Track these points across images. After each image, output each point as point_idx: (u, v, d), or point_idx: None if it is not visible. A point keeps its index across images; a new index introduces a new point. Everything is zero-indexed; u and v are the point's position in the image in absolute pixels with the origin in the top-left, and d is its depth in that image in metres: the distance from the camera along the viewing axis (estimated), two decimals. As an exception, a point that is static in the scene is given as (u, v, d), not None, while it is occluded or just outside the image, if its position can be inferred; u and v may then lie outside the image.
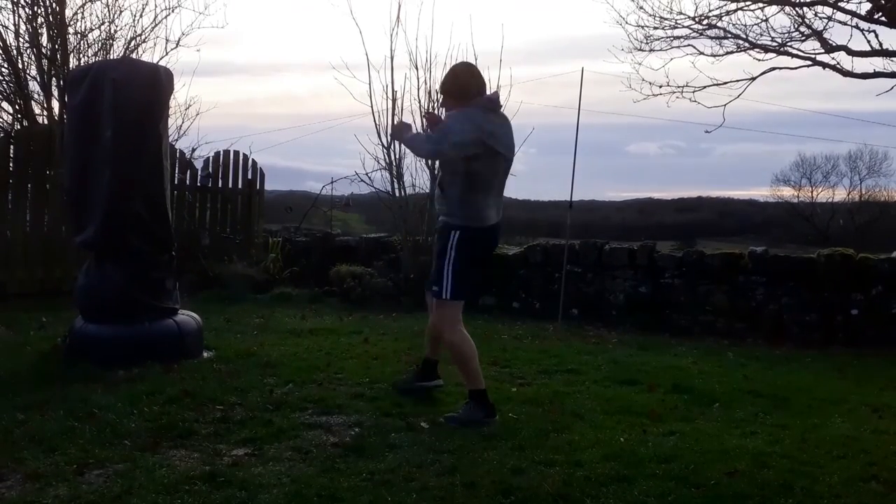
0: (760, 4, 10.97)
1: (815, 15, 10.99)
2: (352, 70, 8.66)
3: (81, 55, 8.80)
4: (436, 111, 8.68)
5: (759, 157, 77.90)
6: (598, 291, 8.06)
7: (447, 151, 4.03)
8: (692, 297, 7.68)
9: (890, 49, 10.84)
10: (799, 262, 7.47)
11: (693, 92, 11.47)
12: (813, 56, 11.30)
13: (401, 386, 4.55)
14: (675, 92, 11.44)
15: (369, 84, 8.75)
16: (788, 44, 11.26)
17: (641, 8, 11.64)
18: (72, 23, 8.77)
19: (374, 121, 8.81)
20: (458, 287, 4.03)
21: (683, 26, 11.34)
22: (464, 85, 4.16)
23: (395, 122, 4.93)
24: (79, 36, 8.82)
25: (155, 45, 9.65)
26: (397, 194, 8.97)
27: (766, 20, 11.08)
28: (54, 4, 8.64)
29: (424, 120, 4.64)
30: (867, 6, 10.75)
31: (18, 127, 8.58)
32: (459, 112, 4.08)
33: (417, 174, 8.97)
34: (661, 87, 11.45)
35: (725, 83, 11.47)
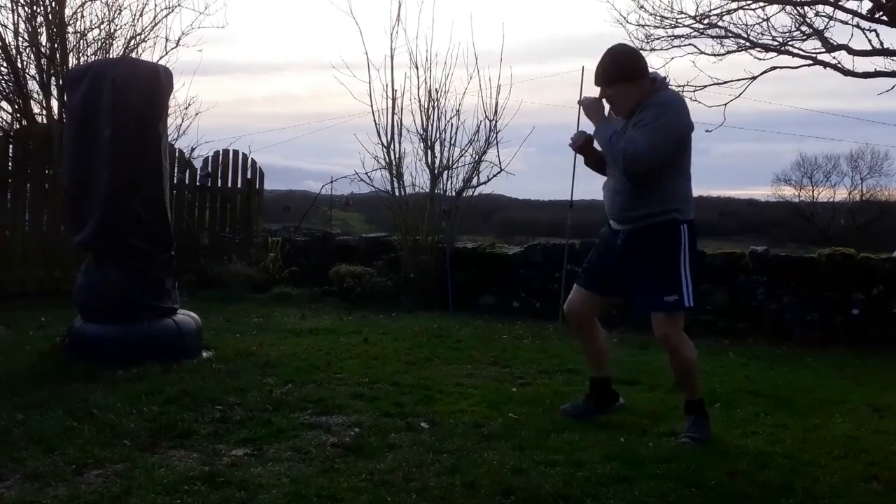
0: (761, 4, 11.00)
1: (816, 14, 11.02)
2: (351, 69, 8.69)
3: (81, 54, 8.80)
4: (434, 111, 8.71)
5: (759, 157, 77.83)
6: (598, 291, 8.04)
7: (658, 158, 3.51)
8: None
9: (891, 48, 10.86)
10: (800, 261, 7.46)
11: (694, 91, 11.50)
12: (814, 55, 11.32)
13: (573, 413, 4.02)
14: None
15: (369, 83, 8.76)
16: (789, 43, 11.28)
17: (642, 7, 11.65)
18: (71, 22, 8.77)
19: (374, 120, 8.82)
20: (695, 290, 3.62)
21: (684, 25, 11.37)
22: (636, 61, 3.72)
23: (587, 101, 3.77)
24: (78, 35, 8.82)
25: (155, 44, 9.64)
26: (397, 194, 8.96)
27: (767, 19, 11.11)
28: (54, 4, 8.63)
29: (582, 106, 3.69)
30: (868, 5, 10.77)
31: (17, 126, 8.57)
32: (666, 98, 3.61)
33: (417, 174, 8.98)
34: (661, 86, 11.44)
35: (726, 82, 11.50)
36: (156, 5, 9.64)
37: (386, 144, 8.84)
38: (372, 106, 8.78)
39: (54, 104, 8.62)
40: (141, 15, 9.22)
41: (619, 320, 7.74)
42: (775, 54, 11.45)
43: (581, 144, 3.89)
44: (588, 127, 3.88)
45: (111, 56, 8.86)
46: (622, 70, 3.64)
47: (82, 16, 8.88)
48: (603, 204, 3.92)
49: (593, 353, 4.07)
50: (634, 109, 3.62)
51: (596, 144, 3.82)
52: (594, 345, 4.05)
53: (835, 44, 11.11)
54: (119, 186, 5.00)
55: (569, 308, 3.97)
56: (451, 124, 8.78)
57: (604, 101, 3.74)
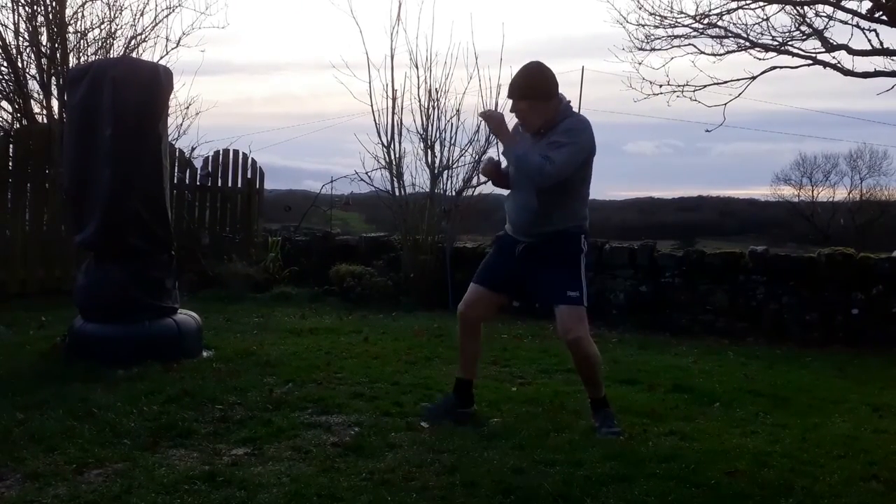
0: (761, 3, 10.99)
1: (816, 14, 11.01)
2: (352, 69, 8.68)
3: (81, 54, 8.80)
4: (435, 111, 8.71)
5: (758, 156, 77.93)
6: (598, 291, 8.04)
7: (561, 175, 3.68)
8: (692, 297, 7.68)
9: (890, 48, 10.86)
10: (799, 261, 7.47)
11: (693, 91, 11.50)
12: (813, 55, 11.31)
13: (431, 413, 3.99)
14: (675, 91, 11.46)
15: (369, 83, 8.76)
16: (789, 43, 11.27)
17: (642, 7, 11.61)
18: (72, 22, 8.76)
19: (374, 120, 8.82)
20: (588, 294, 3.84)
21: (684, 25, 11.36)
22: (553, 81, 3.82)
23: (491, 113, 4.00)
24: (78, 35, 8.81)
25: (155, 44, 9.61)
26: (397, 193, 8.96)
27: (767, 19, 11.10)
28: (54, 4, 8.62)
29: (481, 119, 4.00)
30: (868, 5, 10.76)
31: (18, 126, 8.57)
32: (576, 130, 3.76)
33: (417, 173, 8.98)
34: (661, 86, 11.47)
35: (726, 82, 11.49)
36: (156, 5, 9.63)
37: (386, 144, 8.84)
38: (372, 106, 8.79)
39: (55, 104, 8.62)
40: (142, 15, 9.21)
41: (618, 321, 7.76)
42: (775, 54, 11.45)
43: (490, 170, 4.09)
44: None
45: (111, 56, 8.86)
46: (538, 88, 3.77)
47: (83, 16, 8.88)
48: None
49: (471, 354, 4.10)
50: (541, 128, 3.76)
51: (503, 161, 3.99)
52: (475, 346, 4.10)
53: (834, 44, 11.11)
54: (119, 186, 5.00)
55: (463, 307, 4.03)
56: (452, 124, 8.78)
57: (510, 114, 3.91)
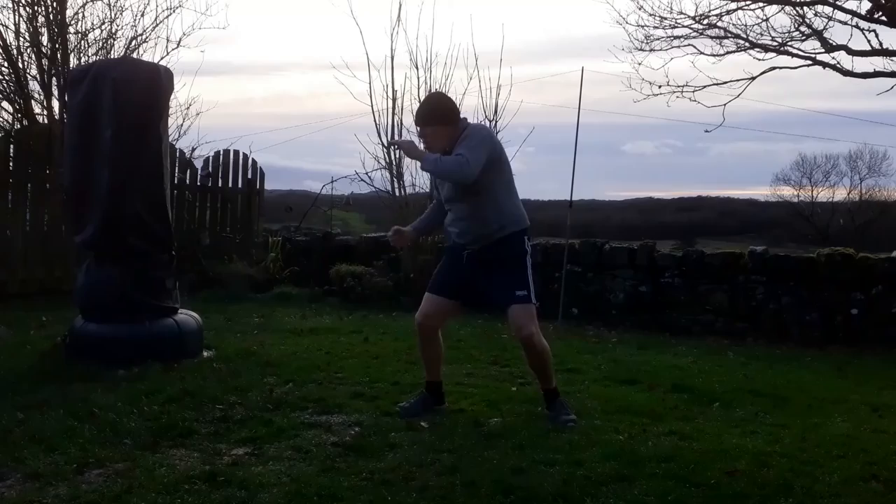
0: (761, 4, 10.97)
1: (816, 14, 11.00)
2: (352, 69, 8.71)
3: (82, 55, 8.81)
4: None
5: (758, 157, 77.89)
6: (598, 291, 8.06)
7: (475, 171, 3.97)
8: (692, 297, 7.69)
9: (890, 48, 10.85)
10: (799, 261, 7.47)
11: (693, 91, 11.48)
12: (813, 56, 11.30)
13: (408, 412, 4.11)
14: (675, 92, 11.45)
15: (369, 83, 8.78)
16: (789, 43, 11.26)
17: (641, 8, 11.62)
18: (72, 22, 8.77)
19: (374, 120, 8.84)
20: (535, 291, 4.06)
21: (684, 26, 11.34)
22: (453, 107, 4.22)
23: (399, 140, 4.61)
24: (79, 35, 8.83)
25: (156, 44, 9.64)
26: (397, 194, 8.97)
27: (767, 20, 11.09)
28: (55, 4, 8.63)
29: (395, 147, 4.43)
30: (867, 6, 10.76)
31: (18, 126, 8.58)
32: (474, 133, 4.09)
33: (417, 174, 9.00)
34: (660, 86, 11.45)
35: (725, 83, 11.48)
36: (157, 6, 9.65)
37: (386, 144, 8.85)
38: (372, 106, 8.81)
39: (55, 104, 8.62)
40: (142, 15, 9.23)
41: (618, 321, 7.76)
42: (774, 55, 11.44)
43: (406, 238, 4.39)
44: None
45: (112, 56, 8.86)
46: (438, 113, 4.13)
47: (83, 16, 8.90)
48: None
49: (434, 358, 4.27)
50: (448, 150, 4.03)
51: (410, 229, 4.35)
52: (437, 350, 4.27)
53: (834, 44, 11.10)
54: (120, 186, 5.01)
55: (422, 317, 4.19)
56: (452, 124, 8.78)
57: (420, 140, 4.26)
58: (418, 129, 4.20)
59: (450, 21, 14.06)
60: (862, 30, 10.81)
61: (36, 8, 8.60)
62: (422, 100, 4.34)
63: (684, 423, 4.04)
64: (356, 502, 2.88)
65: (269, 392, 4.37)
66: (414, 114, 4.27)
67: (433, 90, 8.70)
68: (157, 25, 9.22)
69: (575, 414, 4.05)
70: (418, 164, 4.23)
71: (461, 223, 4.12)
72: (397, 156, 8.88)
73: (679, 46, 11.45)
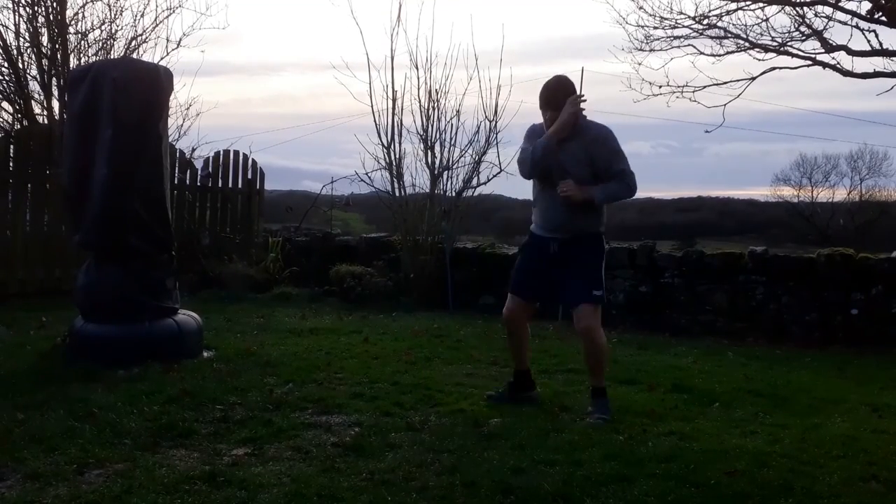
0: (761, 4, 10.99)
1: (816, 15, 11.02)
2: (352, 70, 8.71)
3: (82, 55, 8.82)
4: (435, 111, 8.73)
5: (758, 157, 77.73)
6: (598, 291, 8.04)
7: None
8: (692, 297, 7.68)
9: (890, 49, 10.86)
10: (799, 261, 7.47)
11: (693, 92, 11.50)
12: (813, 56, 11.31)
13: (496, 400, 4.38)
14: (674, 92, 11.46)
15: (369, 84, 8.78)
16: (788, 43, 11.28)
17: (641, 8, 11.62)
18: (72, 23, 8.79)
19: (374, 120, 8.84)
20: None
21: (684, 26, 11.36)
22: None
23: (569, 190, 4.14)
24: (79, 36, 8.85)
25: (156, 45, 9.65)
26: (397, 194, 8.97)
27: (767, 20, 11.10)
28: (55, 4, 8.64)
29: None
30: (867, 6, 10.77)
31: (18, 126, 8.59)
32: (612, 137, 4.22)
33: (417, 174, 9.01)
34: (660, 87, 11.47)
35: (725, 83, 11.49)
36: (157, 6, 9.70)
37: (386, 145, 8.86)
38: (372, 106, 8.81)
39: (55, 104, 8.64)
40: (142, 16, 9.27)
41: (618, 321, 7.76)
42: (774, 55, 11.45)
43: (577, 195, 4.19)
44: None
45: (112, 57, 8.87)
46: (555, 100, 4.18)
47: (83, 16, 8.92)
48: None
49: (520, 348, 4.48)
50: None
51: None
52: (522, 340, 4.46)
53: (834, 44, 11.11)
54: (120, 187, 5.00)
55: (508, 315, 4.41)
56: (451, 125, 8.81)
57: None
58: (545, 113, 4.20)
59: (450, 21, 14.03)
60: (862, 30, 10.83)
61: (36, 8, 8.63)
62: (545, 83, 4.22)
63: (684, 424, 4.04)
64: (356, 502, 2.87)
65: (269, 392, 4.37)
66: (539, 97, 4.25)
67: (435, 90, 8.72)
68: (156, 26, 9.26)
69: (609, 415, 4.10)
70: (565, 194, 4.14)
71: (557, 208, 4.17)
72: (397, 155, 8.86)
73: (679, 46, 11.48)
